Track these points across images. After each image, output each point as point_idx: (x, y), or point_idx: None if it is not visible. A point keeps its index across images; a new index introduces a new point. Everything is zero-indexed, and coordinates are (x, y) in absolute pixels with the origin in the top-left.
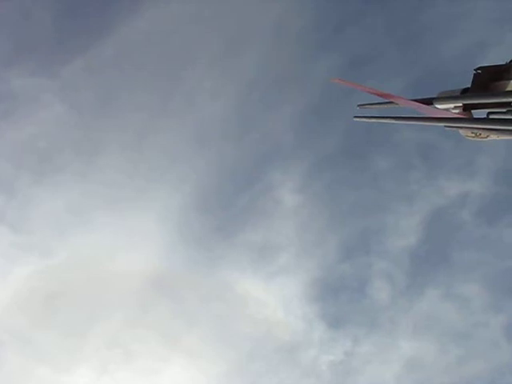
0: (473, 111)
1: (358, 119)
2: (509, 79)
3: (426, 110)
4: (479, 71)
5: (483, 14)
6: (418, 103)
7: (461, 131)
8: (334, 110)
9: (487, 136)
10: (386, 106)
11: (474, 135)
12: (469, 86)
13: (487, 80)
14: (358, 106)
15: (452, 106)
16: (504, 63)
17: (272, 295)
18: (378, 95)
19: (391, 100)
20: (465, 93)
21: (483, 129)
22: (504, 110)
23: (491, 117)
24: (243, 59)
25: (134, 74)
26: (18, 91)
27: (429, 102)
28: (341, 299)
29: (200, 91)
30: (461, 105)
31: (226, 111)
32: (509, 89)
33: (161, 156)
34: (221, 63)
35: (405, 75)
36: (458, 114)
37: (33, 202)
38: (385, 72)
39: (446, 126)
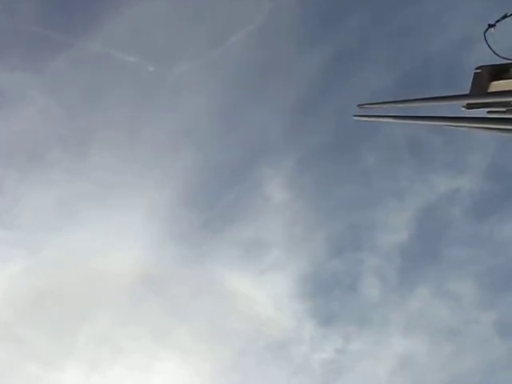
0: (472, 110)
1: (357, 118)
2: (509, 78)
3: None
4: (479, 70)
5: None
6: None
7: None
8: (323, 105)
9: None
10: (385, 105)
11: None
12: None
13: (487, 79)
14: (358, 106)
15: None
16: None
17: (262, 292)
18: None
19: None
20: None
21: (483, 128)
22: (504, 110)
23: (490, 116)
24: (229, 52)
25: (120, 68)
26: (3, 87)
27: None
28: (332, 296)
29: (186, 85)
30: None
31: (213, 106)
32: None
33: (147, 152)
34: (207, 57)
35: (393, 70)
36: None
37: (21, 199)
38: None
39: (445, 125)
